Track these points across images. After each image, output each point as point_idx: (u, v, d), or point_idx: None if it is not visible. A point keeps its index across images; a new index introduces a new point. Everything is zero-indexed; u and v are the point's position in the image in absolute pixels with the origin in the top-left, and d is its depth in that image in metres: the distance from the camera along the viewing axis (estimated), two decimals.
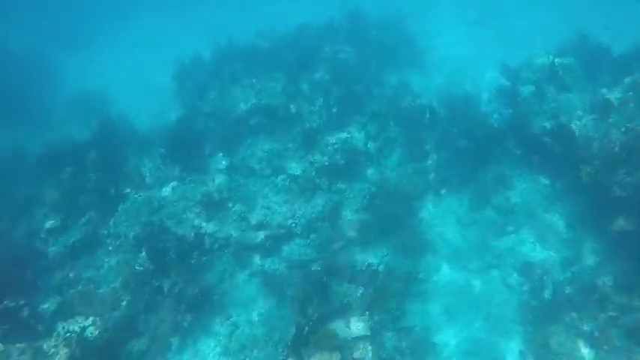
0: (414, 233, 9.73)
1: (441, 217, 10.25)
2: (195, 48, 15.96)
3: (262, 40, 16.10)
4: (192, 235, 9.11)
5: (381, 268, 8.87)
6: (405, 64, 16.19)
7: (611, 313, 6.97)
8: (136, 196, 9.66)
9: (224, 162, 10.64)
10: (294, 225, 9.53)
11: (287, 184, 10.16)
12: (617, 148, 7.62)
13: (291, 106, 12.43)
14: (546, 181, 9.77)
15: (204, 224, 9.38)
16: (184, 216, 9.44)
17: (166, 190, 10.00)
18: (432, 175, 10.85)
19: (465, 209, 10.32)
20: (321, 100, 12.44)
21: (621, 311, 6.94)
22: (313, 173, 10.38)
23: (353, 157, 11.18)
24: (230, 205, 9.86)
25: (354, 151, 11.25)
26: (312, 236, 9.64)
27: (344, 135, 11.42)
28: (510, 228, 9.63)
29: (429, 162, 11.04)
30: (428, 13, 20.12)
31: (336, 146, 10.99)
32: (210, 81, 13.79)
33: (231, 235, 9.33)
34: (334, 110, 12.00)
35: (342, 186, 10.69)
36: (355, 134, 11.68)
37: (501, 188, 10.20)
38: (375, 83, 14.18)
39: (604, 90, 9.36)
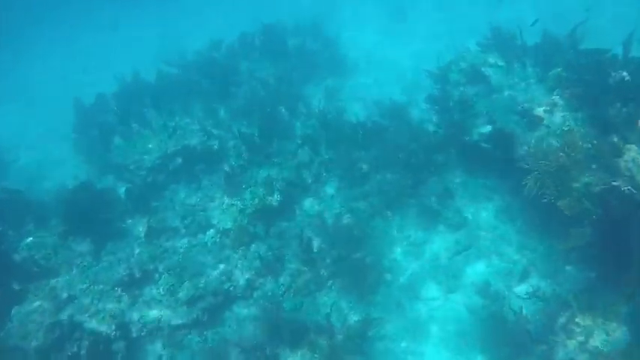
0: (365, 269, 8.90)
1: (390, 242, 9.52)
2: (96, 88, 14.10)
3: (171, 67, 14.53)
4: (114, 327, 7.67)
5: (335, 321, 7.93)
6: (330, 73, 15.37)
7: (579, 338, 6.56)
8: (35, 292, 8.01)
9: (141, 226, 9.15)
10: (232, 288, 8.38)
11: (218, 240, 8.96)
12: (554, 156, 7.18)
13: (212, 143, 11.16)
14: (493, 193, 9.32)
15: (126, 309, 7.96)
16: (101, 305, 7.96)
17: (74, 275, 8.43)
18: (374, 199, 10.07)
19: (414, 229, 9.67)
20: (244, 130, 11.26)
21: (587, 334, 6.55)
22: (245, 221, 9.24)
23: (288, 191, 10.18)
24: (156, 277, 8.50)
25: (287, 184, 10.24)
26: (256, 295, 8.56)
27: (273, 170, 10.34)
28: (461, 245, 9.08)
29: (369, 185, 10.24)
30: (347, 14, 19.36)
31: (267, 183, 9.90)
32: (117, 125, 12.12)
33: (161, 316, 8.00)
34: (258, 141, 10.84)
35: (281, 228, 9.67)
36: (286, 164, 10.66)
37: (448, 202, 9.65)
38: (300, 100, 13.17)
39: (533, 90, 9.00)
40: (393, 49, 16.55)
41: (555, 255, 8.05)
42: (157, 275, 8.45)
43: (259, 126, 11.18)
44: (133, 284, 8.30)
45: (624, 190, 6.31)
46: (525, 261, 8.42)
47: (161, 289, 8.31)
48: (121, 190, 10.17)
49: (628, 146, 7.00)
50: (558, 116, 8.32)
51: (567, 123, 8.06)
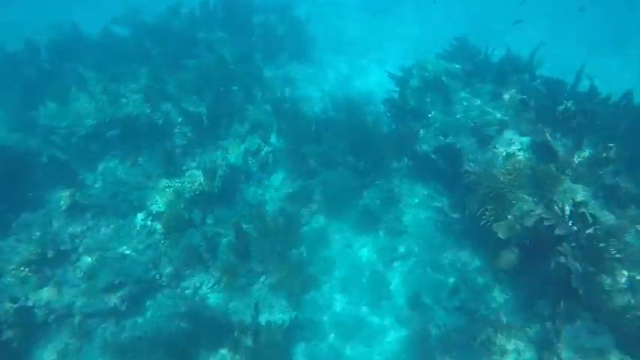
0: (299, 267, 8.70)
1: (328, 242, 9.38)
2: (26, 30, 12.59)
3: (121, 27, 13.38)
4: (12, 310, 6.98)
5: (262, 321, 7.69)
6: (293, 57, 14.86)
7: (494, 358, 6.76)
8: None
9: (63, 200, 8.35)
10: (157, 277, 7.90)
11: (148, 223, 8.39)
12: (496, 180, 7.25)
13: (156, 116, 10.39)
14: (437, 203, 9.36)
15: (31, 292, 7.27)
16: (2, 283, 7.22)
17: None
18: (318, 196, 9.84)
19: (353, 231, 9.57)
20: (192, 109, 10.58)
21: (502, 353, 6.77)
22: (182, 206, 8.71)
23: (231, 178, 9.73)
24: (73, 259, 7.83)
25: (231, 170, 9.79)
26: (182, 285, 8.14)
27: (218, 153, 9.83)
28: (400, 252, 9.09)
29: (315, 180, 9.99)
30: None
31: (210, 167, 9.38)
32: (48, 82, 10.96)
33: (75, 302, 7.39)
34: (205, 122, 10.22)
35: (219, 216, 9.24)
36: (233, 149, 10.17)
37: (392, 208, 9.61)
38: (257, 81, 12.57)
39: (488, 108, 9.05)
40: (364, 41, 16.20)
41: (487, 273, 8.24)
42: (74, 256, 7.77)
43: (209, 105, 10.54)
44: (46, 264, 7.58)
45: (548, 221, 6.47)
46: (457, 275, 8.56)
47: (78, 272, 7.66)
48: (45, 156, 9.21)
49: (563, 177, 7.21)
50: (506, 138, 8.43)
51: (513, 147, 8.18)
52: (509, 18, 13.86)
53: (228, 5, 14.22)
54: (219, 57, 12.44)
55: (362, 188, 9.84)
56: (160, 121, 10.38)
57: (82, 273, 7.62)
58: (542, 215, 6.65)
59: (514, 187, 7.17)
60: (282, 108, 11.33)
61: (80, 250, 7.92)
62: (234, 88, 11.80)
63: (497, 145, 8.33)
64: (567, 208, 6.54)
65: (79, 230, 8.11)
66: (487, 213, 7.13)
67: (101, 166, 9.43)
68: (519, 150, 8.09)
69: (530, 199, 7.11)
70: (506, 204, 7.08)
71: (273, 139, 10.75)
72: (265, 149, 10.43)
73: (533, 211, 6.83)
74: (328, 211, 9.68)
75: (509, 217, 7.04)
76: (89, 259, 7.74)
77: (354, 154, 9.78)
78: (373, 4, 18.33)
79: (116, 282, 7.53)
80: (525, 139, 8.27)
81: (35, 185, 8.82)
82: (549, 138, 7.73)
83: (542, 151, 7.92)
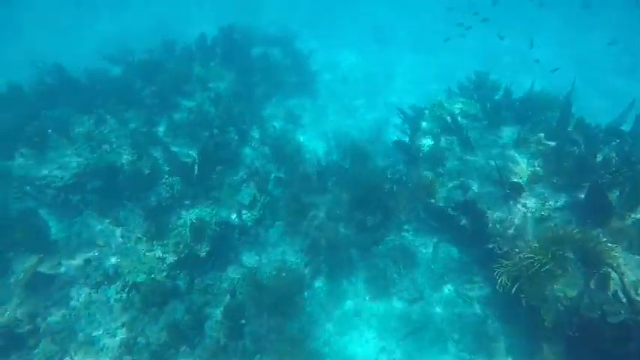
0: (298, 345, 7.46)
1: (332, 312, 8.15)
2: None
3: (113, 64, 12.62)
4: None
5: None
6: (295, 92, 13.94)
7: None
8: None
9: (28, 269, 7.27)
10: None
11: (124, 296, 7.28)
12: (530, 255, 6.02)
13: (142, 165, 9.42)
14: (459, 266, 8.13)
15: None
16: None
17: None
18: (321, 255, 8.67)
19: (362, 297, 8.34)
20: (183, 153, 9.64)
21: None
22: (163, 274, 7.60)
23: (223, 235, 8.65)
24: (32, 342, 6.70)
25: (223, 226, 8.71)
26: None
27: (208, 208, 8.77)
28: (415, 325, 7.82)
29: (318, 237, 8.83)
30: (330, 32, 17.86)
31: (199, 225, 8.30)
32: (26, 128, 10.05)
33: None
34: (196, 171, 9.22)
35: (208, 281, 8.12)
36: (225, 201, 9.12)
37: (404, 270, 8.40)
38: (255, 121, 11.62)
39: (512, 154, 7.91)
40: (371, 75, 15.27)
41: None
42: (31, 341, 6.63)
43: (201, 151, 9.55)
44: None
45: (610, 312, 5.21)
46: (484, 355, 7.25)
47: (40, 357, 6.52)
48: (15, 210, 8.23)
49: (614, 247, 5.97)
50: (537, 193, 7.25)
51: (546, 205, 6.98)
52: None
53: (227, 39, 13.43)
54: (215, 95, 11.56)
55: (371, 245, 8.67)
56: (147, 171, 9.40)
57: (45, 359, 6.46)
58: (594, 299, 5.41)
59: (553, 260, 5.93)
60: (282, 151, 10.32)
61: (43, 330, 6.79)
62: (231, 129, 10.84)
63: (527, 203, 7.14)
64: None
65: (40, 307, 6.99)
66: (523, 295, 5.88)
67: (77, 225, 8.37)
68: (554, 209, 6.89)
69: (576, 276, 5.87)
70: (545, 283, 5.84)
71: (271, 187, 9.69)
72: (262, 200, 9.34)
73: (580, 294, 5.59)
74: (332, 272, 8.49)
75: (550, 301, 5.78)
76: (50, 344, 6.59)
77: (361, 209, 8.63)
78: (379, 33, 17.51)
79: None
80: (561, 196, 7.07)
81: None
82: (592, 195, 6.54)
83: (582, 211, 6.71)
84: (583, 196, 6.72)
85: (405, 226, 8.97)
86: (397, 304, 8.05)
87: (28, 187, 9.07)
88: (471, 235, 7.71)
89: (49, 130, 9.75)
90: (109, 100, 10.75)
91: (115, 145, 9.81)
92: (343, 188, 9.10)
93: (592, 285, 5.60)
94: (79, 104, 10.57)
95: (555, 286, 5.79)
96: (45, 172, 9.06)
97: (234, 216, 9.00)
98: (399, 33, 18.15)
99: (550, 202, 6.96)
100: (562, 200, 6.97)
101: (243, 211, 9.11)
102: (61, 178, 9.00)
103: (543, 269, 5.73)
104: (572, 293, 5.69)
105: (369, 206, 8.62)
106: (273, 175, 9.78)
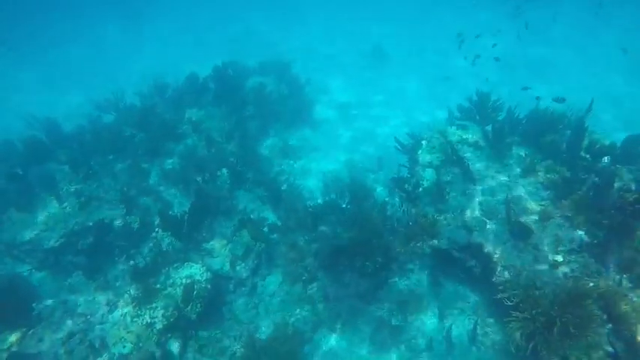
0: None
1: None
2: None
3: (103, 112, 12.46)
4: None
5: None
6: (291, 124, 13.50)
7: None
8: None
9: (8, 346, 6.91)
10: None
11: None
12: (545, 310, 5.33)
13: (131, 219, 9.09)
14: (467, 307, 7.44)
15: None
16: None
17: None
18: (321, 305, 8.10)
19: (367, 349, 7.71)
20: (174, 202, 9.30)
21: None
22: (153, 340, 7.14)
23: (217, 289, 8.18)
24: None
25: (217, 279, 8.25)
26: None
27: (199, 262, 8.32)
28: None
29: (317, 284, 8.30)
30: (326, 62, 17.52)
31: (190, 283, 7.86)
32: (10, 188, 9.83)
33: None
34: (186, 223, 8.82)
35: (203, 341, 7.62)
36: (219, 252, 8.68)
37: (410, 316, 7.75)
38: (250, 160, 11.18)
39: (519, 187, 7.25)
40: (370, 105, 14.77)
41: None
42: None
43: (192, 204, 9.12)
44: None
45: None
46: None
47: None
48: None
49: None
50: (550, 233, 6.55)
51: (560, 248, 6.27)
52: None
53: (220, 75, 13.13)
54: (207, 136, 11.21)
55: (374, 291, 8.06)
56: (136, 225, 9.06)
57: None
58: None
59: (574, 317, 5.23)
60: (277, 193, 9.86)
61: None
62: (224, 171, 10.43)
63: (539, 245, 6.45)
64: None
65: None
66: (541, 355, 5.19)
67: (63, 292, 8.02)
68: (569, 252, 6.18)
69: (601, 334, 5.15)
70: (565, 344, 5.14)
71: (266, 231, 9.20)
72: (257, 248, 8.85)
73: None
74: (334, 323, 7.91)
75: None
76: None
77: (361, 254, 8.04)
78: (377, 58, 17.05)
79: None
80: (576, 234, 6.37)
81: None
82: (612, 233, 5.84)
83: (603, 252, 6.00)
84: (602, 234, 6.01)
85: (410, 265, 8.33)
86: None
87: (15, 251, 8.82)
88: (480, 278, 7.05)
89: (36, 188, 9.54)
90: (97, 151, 10.54)
91: (103, 200, 9.51)
92: (342, 229, 8.53)
93: (618, 347, 4.88)
94: (69, 158, 10.34)
95: (576, 347, 5.08)
96: (32, 235, 8.78)
97: (227, 267, 8.53)
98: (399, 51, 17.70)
99: (565, 243, 6.25)
100: (577, 239, 6.26)
101: (238, 262, 8.63)
102: (48, 241, 8.73)
103: (562, 328, 5.04)
104: (596, 355, 4.98)
105: (369, 252, 8.02)
106: (269, 221, 9.29)
